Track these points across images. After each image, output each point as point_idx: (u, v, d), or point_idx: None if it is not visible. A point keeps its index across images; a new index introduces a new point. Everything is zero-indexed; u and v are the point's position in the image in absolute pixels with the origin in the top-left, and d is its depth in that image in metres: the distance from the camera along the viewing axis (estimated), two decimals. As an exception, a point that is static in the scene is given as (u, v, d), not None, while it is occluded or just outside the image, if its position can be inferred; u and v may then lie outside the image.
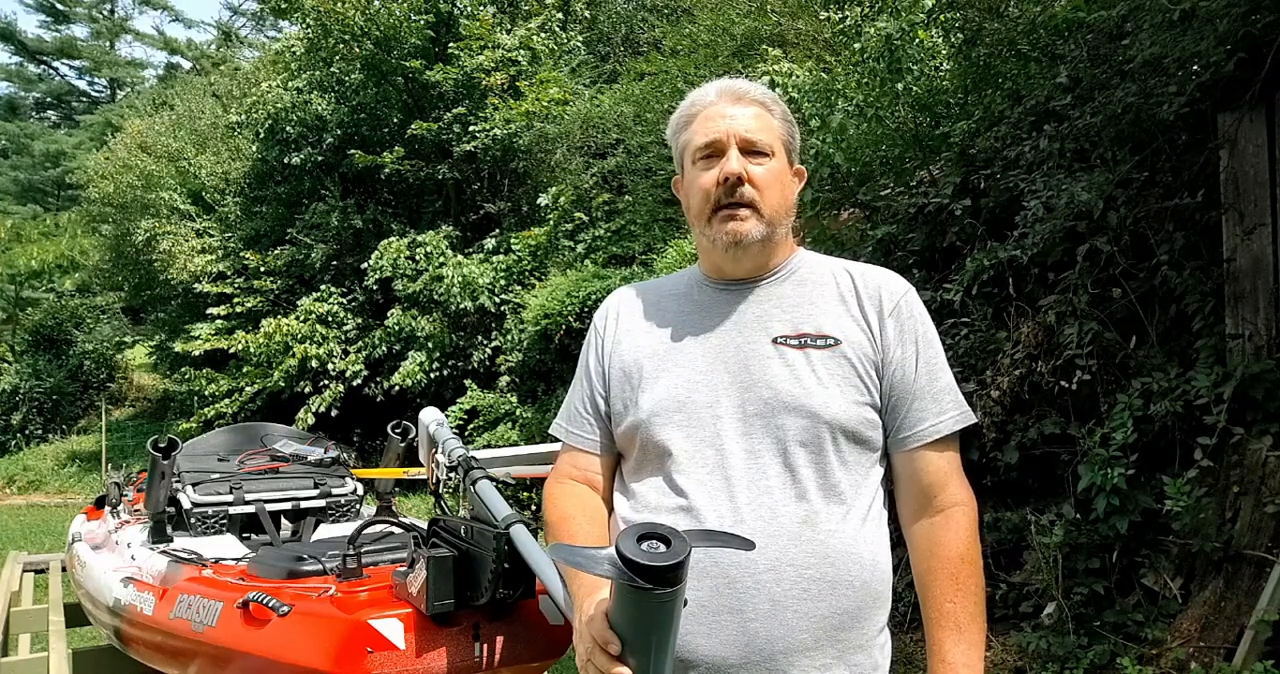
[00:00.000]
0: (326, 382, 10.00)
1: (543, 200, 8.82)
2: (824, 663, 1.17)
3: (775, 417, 1.21)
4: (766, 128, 1.29)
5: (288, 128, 10.66)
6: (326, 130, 10.60)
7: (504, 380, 8.79)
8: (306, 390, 9.99)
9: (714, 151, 1.28)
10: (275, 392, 10.12)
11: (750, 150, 1.27)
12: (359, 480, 3.47)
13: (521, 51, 9.82)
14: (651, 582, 0.88)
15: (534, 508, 7.27)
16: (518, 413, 8.39)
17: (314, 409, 9.88)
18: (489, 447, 7.63)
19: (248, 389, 10.18)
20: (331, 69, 10.67)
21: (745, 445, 1.21)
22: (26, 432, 15.22)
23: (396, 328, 9.52)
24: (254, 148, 11.42)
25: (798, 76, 5.27)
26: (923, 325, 1.30)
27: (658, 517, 1.21)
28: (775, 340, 1.26)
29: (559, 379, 8.07)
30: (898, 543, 1.29)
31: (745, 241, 1.26)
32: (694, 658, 1.16)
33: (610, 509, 1.35)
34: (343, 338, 10.19)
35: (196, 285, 11.33)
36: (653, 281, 1.47)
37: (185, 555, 2.56)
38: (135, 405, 17.26)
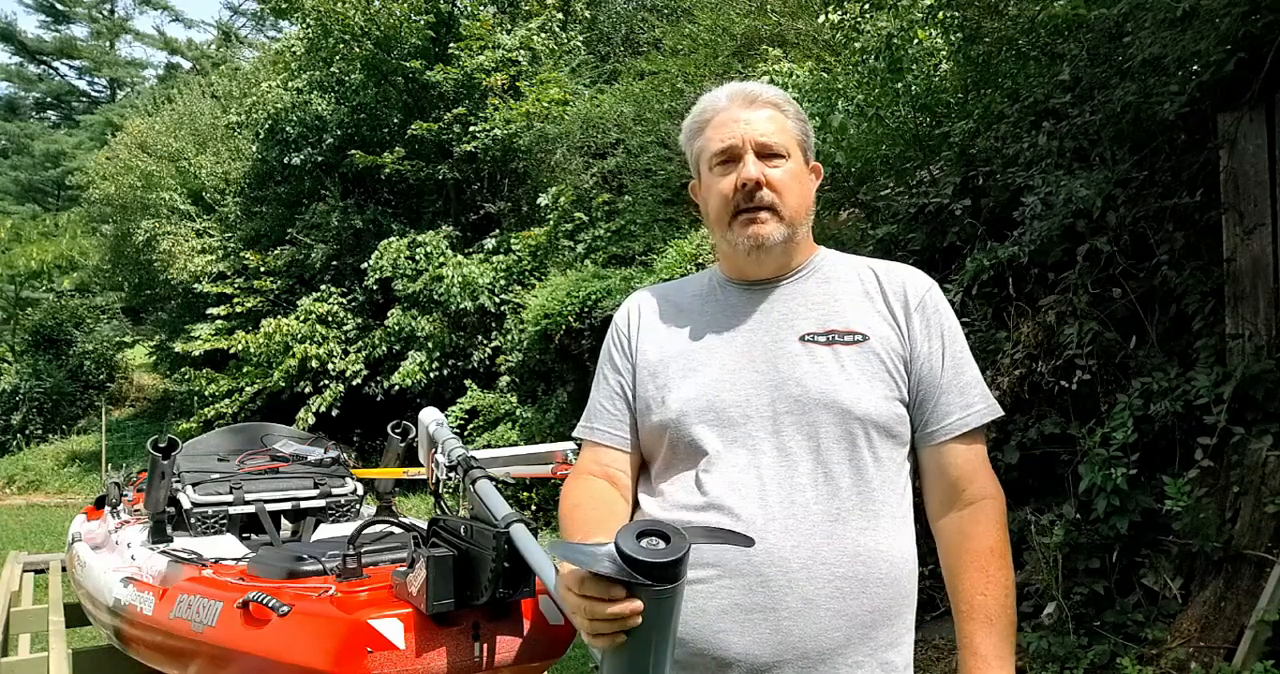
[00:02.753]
0: (326, 381, 10.00)
1: (543, 200, 8.82)
2: (857, 660, 1.17)
3: (807, 414, 1.21)
4: (781, 129, 1.29)
5: (288, 128, 10.66)
6: (326, 130, 10.60)
7: (504, 380, 8.79)
8: (306, 390, 9.99)
9: (730, 157, 1.28)
10: (275, 392, 10.13)
11: (766, 153, 1.27)
12: (359, 480, 3.47)
13: (522, 52, 9.82)
14: (651, 578, 0.88)
15: (534, 508, 7.27)
16: (518, 413, 8.39)
17: (314, 409, 9.88)
18: (489, 447, 7.63)
19: (248, 389, 10.18)
20: (331, 69, 10.67)
21: (776, 444, 1.21)
22: (26, 432, 15.21)
23: (396, 328, 9.52)
24: (254, 148, 11.42)
25: (798, 76, 5.28)
26: (947, 319, 1.30)
27: (687, 515, 1.21)
28: (802, 338, 1.26)
29: (559, 379, 8.07)
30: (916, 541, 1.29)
31: (767, 244, 1.27)
32: (728, 657, 1.16)
33: (635, 508, 1.34)
34: (343, 338, 10.19)
35: (196, 285, 11.34)
36: (671, 283, 1.47)
37: (185, 555, 2.56)
38: (135, 405, 17.27)
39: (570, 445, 2.60)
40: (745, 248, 1.27)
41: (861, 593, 1.17)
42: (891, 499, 1.22)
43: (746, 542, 1.02)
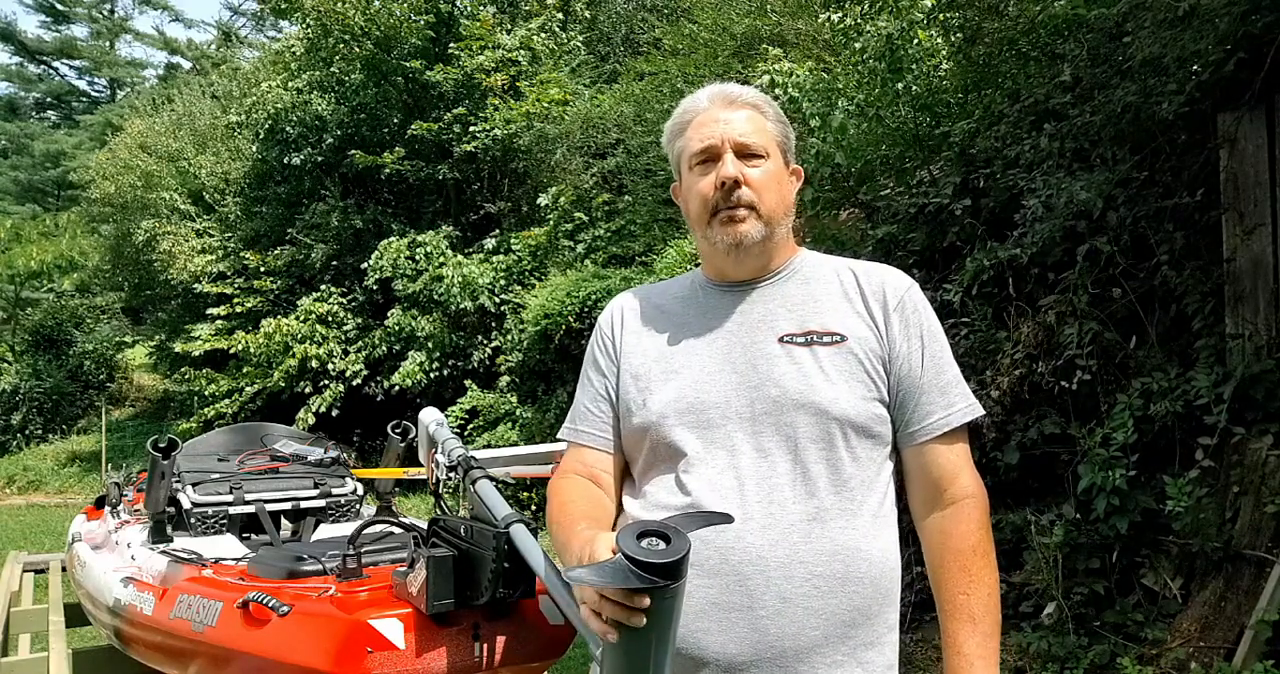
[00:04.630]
0: (326, 382, 10.00)
1: (543, 200, 8.83)
2: (835, 660, 1.17)
3: (784, 415, 1.21)
4: (760, 130, 1.30)
5: (288, 128, 10.67)
6: (326, 130, 10.60)
7: (504, 380, 8.80)
8: (306, 390, 10.00)
9: (709, 157, 1.29)
10: (275, 392, 10.13)
11: (745, 153, 1.28)
12: (359, 480, 3.47)
13: (522, 52, 9.83)
14: (663, 578, 0.89)
15: (534, 508, 7.27)
16: (518, 413, 8.40)
17: (314, 409, 9.88)
18: (489, 447, 7.63)
19: (248, 389, 10.18)
20: (331, 69, 10.68)
21: (755, 444, 1.22)
22: (26, 432, 15.20)
23: (396, 328, 9.52)
24: (254, 148, 11.43)
25: (798, 76, 5.27)
26: (927, 319, 1.30)
27: (667, 516, 1.22)
28: (781, 339, 1.27)
29: (559, 379, 8.07)
30: (907, 541, 1.29)
31: (746, 243, 1.27)
32: (705, 656, 1.17)
33: (619, 509, 1.35)
34: (343, 338, 10.19)
35: (196, 285, 11.34)
36: (656, 285, 1.48)
37: (185, 555, 2.56)
38: (135, 405, 17.26)
39: (570, 445, 2.60)
40: (724, 247, 1.28)
41: (840, 592, 1.17)
42: (871, 499, 1.23)
43: (725, 519, 1.02)
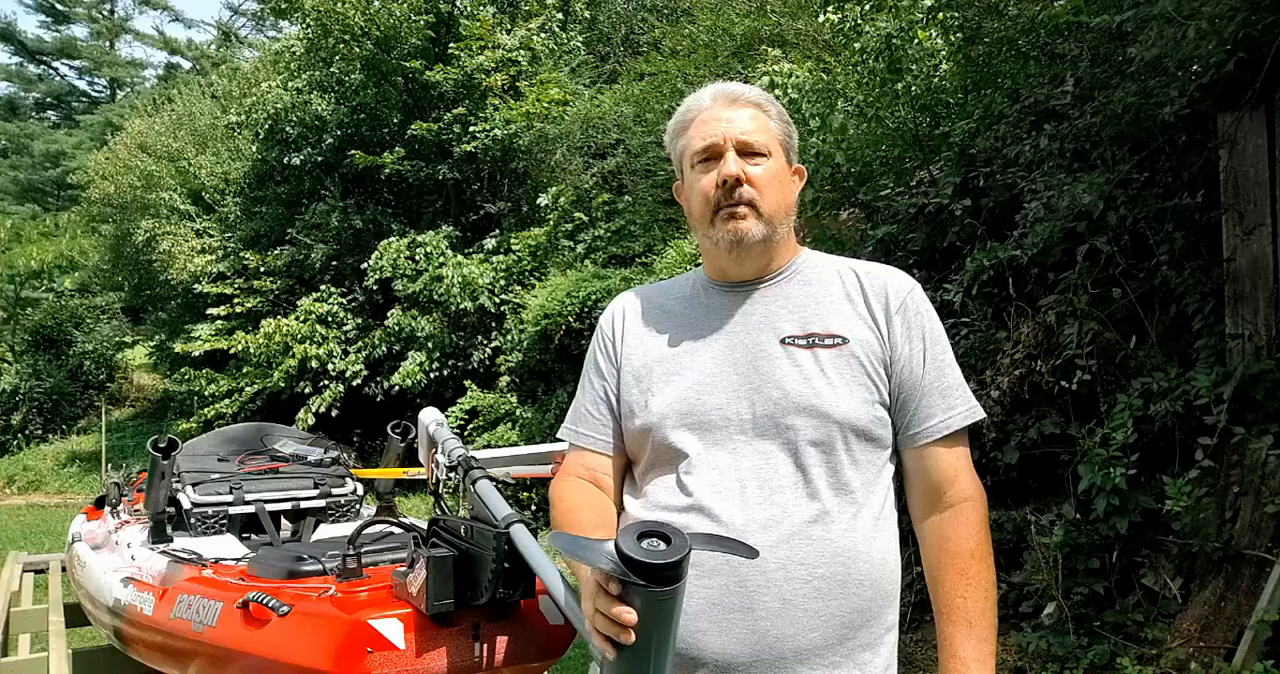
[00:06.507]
0: (326, 382, 10.00)
1: (543, 200, 8.83)
2: (833, 661, 1.17)
3: (785, 417, 1.21)
4: (762, 129, 1.30)
5: (287, 128, 10.67)
6: (326, 130, 10.60)
7: (504, 380, 8.79)
8: (306, 391, 9.99)
9: (711, 155, 1.29)
10: (275, 392, 10.13)
11: (747, 152, 1.27)
12: (359, 480, 3.47)
13: (521, 52, 9.83)
14: (650, 580, 0.88)
15: (534, 508, 7.27)
16: (518, 413, 8.40)
17: (314, 409, 9.88)
18: (489, 447, 7.63)
19: (248, 389, 10.18)
20: (331, 69, 10.68)
21: (756, 446, 1.22)
22: (26, 432, 15.21)
23: (396, 328, 9.52)
24: (254, 148, 11.43)
25: (798, 77, 5.28)
26: (929, 322, 1.30)
27: (668, 516, 1.21)
28: (783, 341, 1.26)
29: (559, 379, 8.07)
30: (907, 541, 1.29)
31: (747, 240, 1.27)
32: (703, 656, 1.16)
33: (620, 510, 1.35)
34: (343, 338, 10.19)
35: (196, 285, 11.34)
36: (656, 285, 1.47)
37: (185, 555, 2.56)
38: (135, 405, 17.25)
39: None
40: (725, 244, 1.28)
41: (840, 594, 1.17)
42: (872, 501, 1.23)
43: (750, 553, 1.01)
